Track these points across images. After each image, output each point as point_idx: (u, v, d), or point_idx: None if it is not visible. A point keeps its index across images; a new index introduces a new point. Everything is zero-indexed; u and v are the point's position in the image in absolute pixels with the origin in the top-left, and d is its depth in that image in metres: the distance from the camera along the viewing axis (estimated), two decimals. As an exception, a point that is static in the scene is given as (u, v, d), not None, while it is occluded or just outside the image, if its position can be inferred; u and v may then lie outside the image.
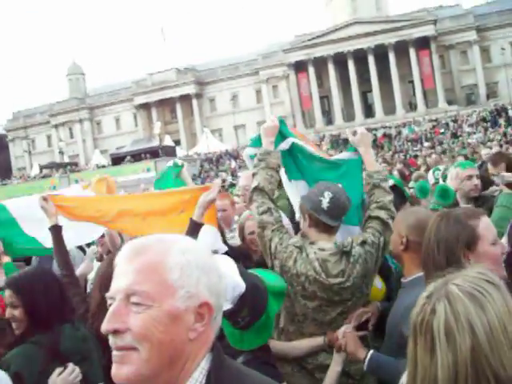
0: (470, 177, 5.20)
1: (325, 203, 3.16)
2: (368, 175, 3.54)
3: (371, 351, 2.84)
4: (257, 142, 3.78)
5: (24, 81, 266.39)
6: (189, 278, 1.32)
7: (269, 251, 3.29)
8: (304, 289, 3.15)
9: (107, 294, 1.35)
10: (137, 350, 1.28)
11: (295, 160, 3.80)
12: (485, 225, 2.48)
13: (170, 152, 50.65)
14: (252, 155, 3.78)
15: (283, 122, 3.80)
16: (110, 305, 1.33)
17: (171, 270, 1.31)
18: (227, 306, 2.28)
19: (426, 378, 1.42)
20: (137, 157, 49.05)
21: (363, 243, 3.23)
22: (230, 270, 2.30)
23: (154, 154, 48.73)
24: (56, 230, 3.79)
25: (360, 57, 66.50)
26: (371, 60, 66.57)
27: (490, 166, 6.44)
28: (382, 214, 3.33)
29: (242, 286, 2.30)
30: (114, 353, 1.30)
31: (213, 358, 1.36)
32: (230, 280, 2.26)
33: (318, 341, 3.18)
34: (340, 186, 3.27)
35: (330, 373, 2.90)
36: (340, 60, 67.63)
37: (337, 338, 2.96)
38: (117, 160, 51.36)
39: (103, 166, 53.20)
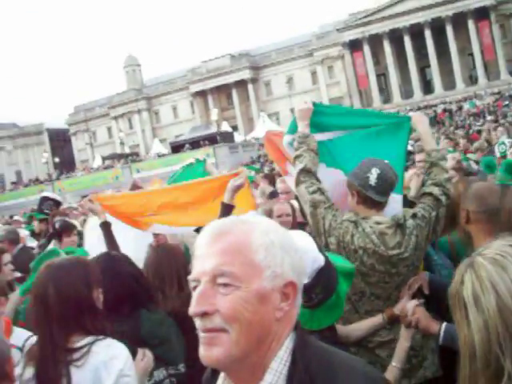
0: None
1: (372, 179, 3.18)
2: (427, 153, 3.59)
3: (444, 323, 2.83)
4: (293, 128, 3.79)
5: (83, 75, 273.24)
6: (274, 258, 1.33)
7: (322, 229, 3.30)
8: (362, 263, 3.17)
9: (190, 277, 1.36)
10: (226, 331, 1.28)
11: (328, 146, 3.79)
12: None
13: (227, 138, 51.01)
14: (290, 142, 3.80)
15: (319, 105, 3.81)
16: (195, 288, 1.33)
17: (257, 251, 1.32)
18: (306, 281, 2.31)
19: (466, 344, 1.51)
20: (195, 144, 49.51)
21: (414, 216, 3.27)
22: (308, 244, 2.37)
23: (212, 140, 49.10)
24: (106, 226, 4.03)
25: (416, 32, 64.96)
26: (428, 34, 64.94)
27: None
28: (436, 191, 3.35)
29: (321, 259, 2.36)
30: (202, 335, 1.30)
31: (297, 337, 1.38)
32: (310, 254, 2.32)
33: (377, 319, 3.19)
34: (387, 162, 3.27)
35: (399, 349, 2.90)
36: (396, 36, 66.28)
37: (405, 315, 2.93)
38: (176, 148, 52.01)
39: (163, 155, 54.05)
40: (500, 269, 1.48)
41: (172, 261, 3.72)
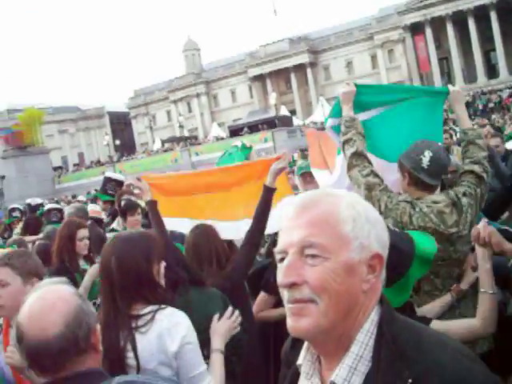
0: None
1: (425, 162, 3.19)
2: (463, 132, 3.58)
3: None
4: (337, 111, 3.82)
5: (143, 60, 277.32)
6: (361, 229, 1.33)
7: (379, 211, 3.17)
8: None
9: (276, 249, 1.38)
10: (315, 302, 1.29)
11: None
12: None
13: (286, 122, 51.00)
14: (335, 126, 3.85)
15: (360, 86, 3.83)
16: (282, 259, 1.35)
17: (345, 222, 1.32)
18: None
19: None
20: (254, 128, 49.63)
21: (464, 194, 3.27)
22: (376, 221, 2.44)
23: (270, 124, 49.14)
24: (152, 205, 4.08)
25: (481, 14, 62.93)
26: (493, 17, 62.80)
27: None
28: (476, 168, 3.35)
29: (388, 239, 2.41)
30: (290, 305, 1.31)
31: (383, 310, 1.37)
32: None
33: (447, 297, 3.16)
34: (440, 144, 3.28)
35: (482, 273, 2.83)
36: (459, 19, 64.43)
37: (478, 234, 2.82)
38: (235, 132, 52.29)
39: (222, 139, 54.52)
40: None
41: (210, 240, 3.77)
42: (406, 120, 3.85)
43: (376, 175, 3.36)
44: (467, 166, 3.43)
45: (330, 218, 1.32)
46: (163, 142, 64.80)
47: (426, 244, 2.64)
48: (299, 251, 1.30)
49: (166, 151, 57.23)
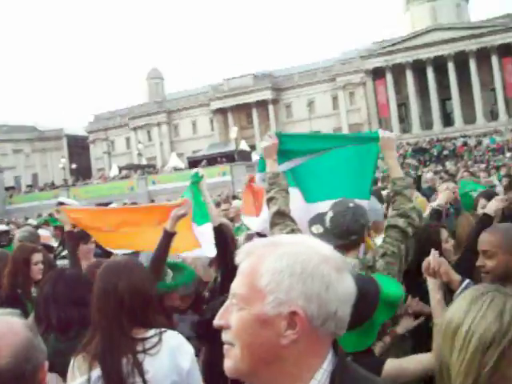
0: None
1: (327, 221, 3.20)
2: (392, 182, 3.53)
3: (467, 280, 2.82)
4: (263, 166, 3.78)
5: (105, 85, 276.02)
6: (279, 284, 1.31)
7: None
8: None
9: None
10: (234, 346, 1.35)
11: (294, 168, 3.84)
12: None
13: (245, 157, 51.13)
14: (262, 180, 3.85)
15: (284, 135, 3.82)
16: None
17: (262, 276, 1.33)
18: (340, 311, 2.45)
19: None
20: (213, 161, 49.56)
21: (384, 255, 3.24)
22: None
23: (229, 158, 49.17)
24: (69, 236, 4.58)
25: (439, 64, 65.18)
26: (451, 67, 65.10)
27: None
28: (401, 223, 3.30)
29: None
30: (224, 347, 1.39)
31: (337, 361, 1.37)
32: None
33: (380, 343, 2.99)
34: (351, 204, 3.22)
35: (434, 304, 2.84)
36: (419, 67, 66.53)
37: (428, 265, 2.84)
38: (193, 163, 51.87)
39: (180, 169, 54.28)
40: None
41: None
42: (334, 169, 3.80)
43: (296, 234, 3.20)
44: (392, 220, 3.40)
45: (254, 270, 1.35)
46: (120, 169, 63.99)
47: (392, 288, 2.66)
48: (231, 298, 1.38)
49: (122, 178, 56.51)
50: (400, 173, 3.58)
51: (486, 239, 3.07)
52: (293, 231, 3.29)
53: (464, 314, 1.59)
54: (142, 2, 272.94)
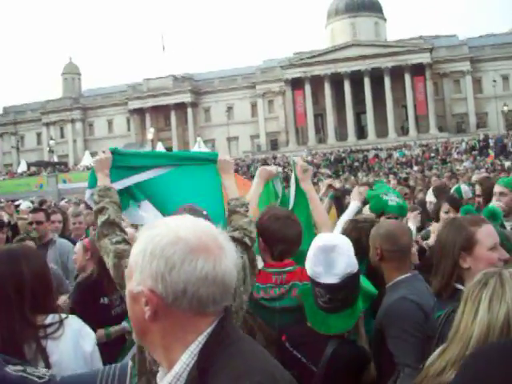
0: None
1: None
2: (228, 202, 3.54)
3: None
4: (93, 182, 3.58)
5: (17, 76, 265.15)
6: (136, 264, 1.43)
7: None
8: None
9: None
10: None
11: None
12: (485, 231, 2.75)
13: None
14: (91, 196, 3.64)
15: (120, 150, 3.73)
16: None
17: (133, 254, 1.46)
18: (335, 280, 2.61)
19: (464, 334, 1.76)
20: (128, 161, 48.68)
21: None
22: (346, 249, 2.64)
23: (145, 159, 48.48)
24: None
25: (356, 78, 67.23)
26: (367, 82, 67.32)
27: (477, 187, 6.77)
28: (236, 234, 3.23)
29: (354, 266, 2.61)
30: None
31: (211, 334, 1.43)
32: (345, 257, 2.63)
33: None
34: (205, 213, 3.18)
35: None
36: (336, 80, 68.32)
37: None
38: (108, 162, 50.90)
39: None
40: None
41: None
42: (177, 187, 3.78)
43: (128, 243, 3.07)
44: (229, 234, 3.27)
45: (132, 249, 1.48)
46: (29, 166, 61.53)
47: (365, 282, 2.87)
48: None
49: (31, 175, 54.34)
50: (235, 194, 3.55)
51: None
52: (124, 240, 3.07)
53: None
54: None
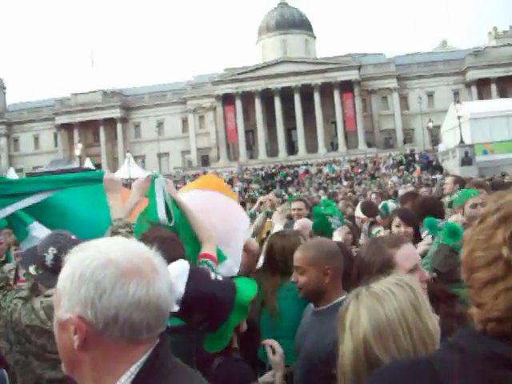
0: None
1: (49, 260, 3.03)
2: (112, 222, 3.51)
3: None
4: None
5: None
6: (64, 290, 1.33)
7: None
8: (32, 343, 2.93)
9: None
10: None
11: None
12: (404, 253, 2.63)
13: (89, 175, 49.29)
14: None
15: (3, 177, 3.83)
16: None
17: (61, 279, 1.35)
18: (174, 308, 2.46)
19: (341, 364, 1.72)
20: (54, 177, 47.22)
21: None
22: (173, 274, 2.40)
23: (72, 175, 47.18)
24: None
25: (287, 94, 67.92)
26: (297, 99, 68.08)
27: (399, 205, 6.93)
28: None
29: (179, 291, 2.48)
30: None
31: (145, 363, 1.34)
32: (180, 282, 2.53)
33: None
34: (74, 237, 3.16)
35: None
36: (267, 96, 68.81)
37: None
38: (32, 179, 49.30)
39: (17, 185, 51.00)
40: (378, 304, 1.66)
41: None
42: (63, 208, 3.78)
43: None
44: None
45: (61, 274, 1.38)
46: (-50, 183, 58.73)
47: (247, 290, 2.74)
48: None
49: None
50: (120, 214, 3.47)
51: (298, 256, 3.21)
52: None
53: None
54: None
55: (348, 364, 1.66)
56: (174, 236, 3.44)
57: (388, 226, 5.87)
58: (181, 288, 2.47)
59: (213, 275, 2.72)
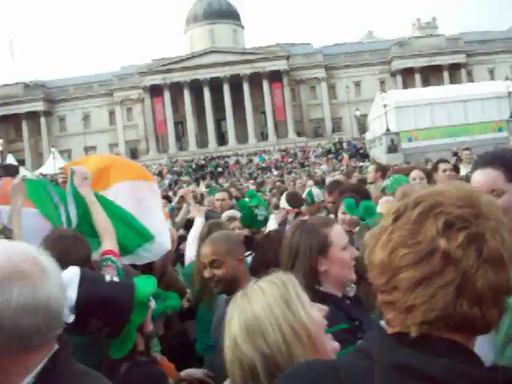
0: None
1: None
2: None
3: None
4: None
5: None
6: None
7: None
8: None
9: None
10: None
11: None
12: (336, 232, 2.73)
13: (12, 171, 47.26)
14: None
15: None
16: None
17: None
18: (69, 318, 2.32)
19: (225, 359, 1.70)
20: (-26, 174, 45.22)
21: None
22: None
23: (-7, 172, 45.31)
24: None
25: (216, 85, 67.51)
26: (226, 89, 67.80)
27: (326, 195, 6.78)
28: None
29: (70, 297, 2.33)
30: None
31: (40, 373, 1.27)
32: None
33: None
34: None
35: None
36: (196, 87, 68.16)
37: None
38: (-50, 177, 47.03)
39: None
40: (247, 301, 1.66)
41: None
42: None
43: None
44: None
45: None
46: None
47: (146, 286, 2.62)
48: None
49: None
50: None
51: (212, 250, 3.27)
52: None
53: None
54: None
55: (227, 360, 1.66)
56: (77, 233, 3.37)
57: (315, 213, 6.00)
58: (72, 294, 2.34)
59: (108, 277, 2.59)
